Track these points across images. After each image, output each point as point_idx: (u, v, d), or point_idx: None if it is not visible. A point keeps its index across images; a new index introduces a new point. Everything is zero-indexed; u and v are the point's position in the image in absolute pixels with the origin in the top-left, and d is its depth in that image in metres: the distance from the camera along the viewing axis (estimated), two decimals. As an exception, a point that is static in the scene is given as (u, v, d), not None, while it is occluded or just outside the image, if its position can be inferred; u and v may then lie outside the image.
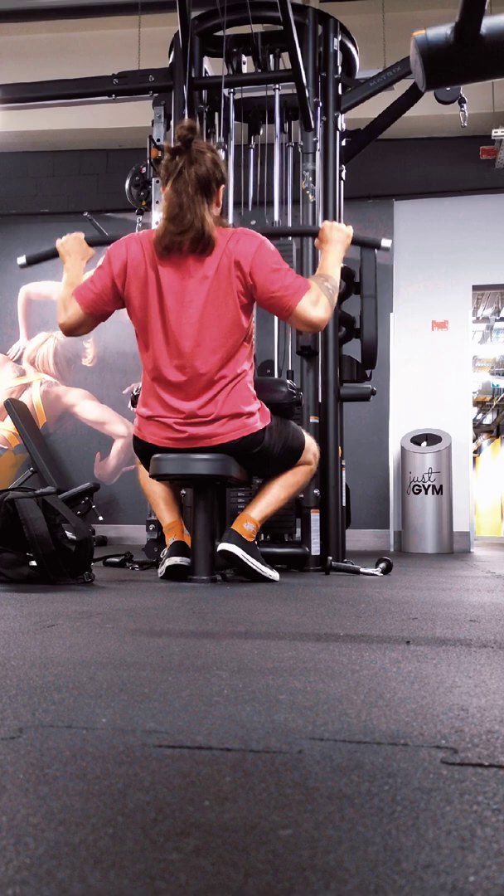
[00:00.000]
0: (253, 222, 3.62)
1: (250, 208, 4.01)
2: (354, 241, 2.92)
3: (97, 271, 2.70)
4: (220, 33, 3.91)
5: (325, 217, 3.74)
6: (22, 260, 3.24)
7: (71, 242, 2.95)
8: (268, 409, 2.76)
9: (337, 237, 2.83)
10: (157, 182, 4.25)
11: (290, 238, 3.58)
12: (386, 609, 1.85)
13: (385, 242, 3.05)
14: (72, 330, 2.73)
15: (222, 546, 2.63)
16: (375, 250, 3.85)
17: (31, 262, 3.22)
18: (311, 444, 2.88)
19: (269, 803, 0.56)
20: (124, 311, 2.74)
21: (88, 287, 2.69)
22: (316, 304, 2.59)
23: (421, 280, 6.83)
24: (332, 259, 2.79)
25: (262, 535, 3.39)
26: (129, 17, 5.92)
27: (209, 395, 2.62)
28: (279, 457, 2.76)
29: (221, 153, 2.73)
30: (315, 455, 2.90)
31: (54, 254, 3.02)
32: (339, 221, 3.87)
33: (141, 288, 2.63)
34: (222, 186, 2.68)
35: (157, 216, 4.08)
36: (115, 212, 6.60)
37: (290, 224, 3.90)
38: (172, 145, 2.63)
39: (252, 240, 2.62)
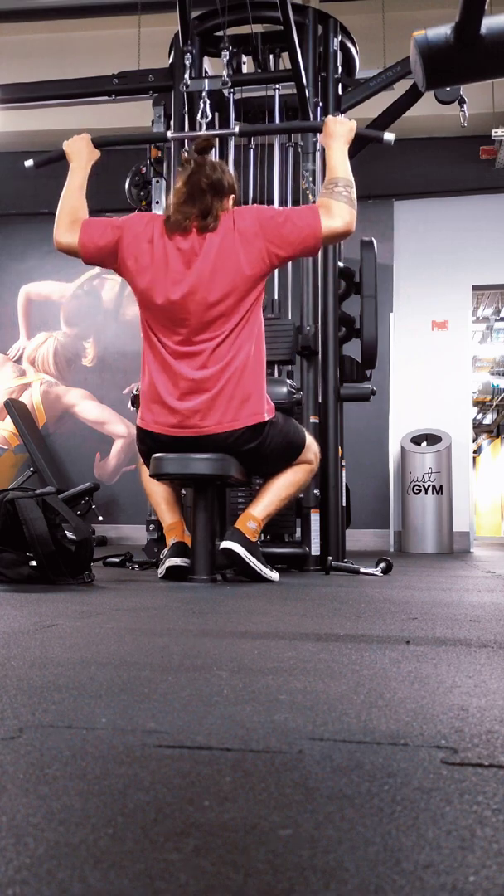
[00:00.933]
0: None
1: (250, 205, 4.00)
2: (358, 135, 2.94)
3: (112, 226, 2.71)
4: (220, 33, 3.91)
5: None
6: (30, 162, 3.23)
7: (78, 143, 2.96)
8: (273, 404, 2.77)
9: (341, 131, 2.84)
10: (157, 182, 4.26)
11: (292, 324, 3.51)
12: (386, 609, 1.85)
13: (388, 136, 3.04)
14: (63, 251, 2.77)
15: (225, 544, 2.63)
16: (373, 250, 3.85)
17: (39, 164, 3.22)
18: (311, 444, 2.88)
19: (269, 803, 0.56)
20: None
21: (97, 233, 2.71)
22: (334, 216, 2.64)
23: (421, 280, 6.82)
24: (338, 155, 2.81)
25: (263, 535, 3.39)
26: (129, 17, 5.92)
27: (216, 368, 2.62)
28: (279, 452, 2.76)
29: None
30: (316, 454, 2.89)
31: (62, 155, 3.02)
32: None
33: (150, 262, 2.66)
34: (233, 196, 2.72)
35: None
36: (115, 212, 6.56)
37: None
38: (191, 156, 2.72)
39: (247, 212, 2.69)
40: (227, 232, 2.63)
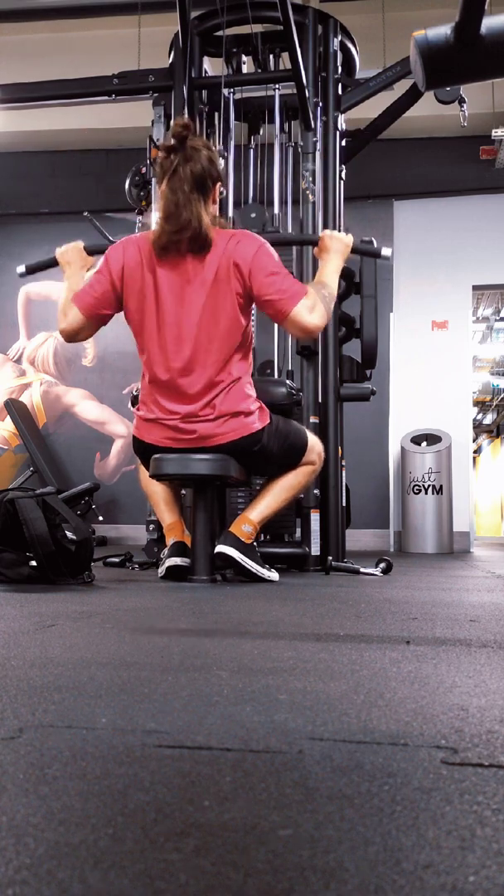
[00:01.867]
0: (253, 215, 3.61)
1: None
2: (354, 251, 2.91)
3: (95, 275, 2.70)
4: (220, 33, 3.91)
5: (326, 217, 3.74)
6: (21, 269, 3.26)
7: (71, 252, 2.94)
8: (267, 409, 2.76)
9: (336, 247, 2.81)
10: (156, 179, 4.25)
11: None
12: (386, 609, 1.85)
13: (385, 251, 3.04)
14: (72, 335, 2.73)
15: (219, 549, 2.63)
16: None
17: (31, 270, 3.24)
18: (314, 444, 2.86)
19: (269, 803, 0.56)
20: (117, 313, 2.75)
21: (87, 292, 2.69)
22: (312, 311, 2.57)
23: (421, 280, 6.82)
24: (331, 268, 2.78)
25: (262, 535, 3.39)
26: (129, 17, 5.92)
27: (208, 398, 2.62)
28: (280, 456, 2.76)
29: (220, 158, 2.71)
30: (319, 455, 2.88)
31: (54, 262, 3.03)
32: (340, 220, 3.87)
33: (138, 291, 2.63)
34: (219, 184, 2.66)
35: (157, 216, 4.08)
36: (115, 212, 6.59)
37: (290, 223, 3.90)
38: (167, 143, 2.62)
39: (252, 242, 2.61)
40: (221, 256, 2.57)
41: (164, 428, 2.66)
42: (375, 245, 3.74)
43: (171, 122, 3.80)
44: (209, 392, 2.61)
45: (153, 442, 2.69)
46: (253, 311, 2.82)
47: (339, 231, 3.22)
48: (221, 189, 2.77)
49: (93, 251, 2.94)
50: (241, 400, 2.64)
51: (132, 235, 2.78)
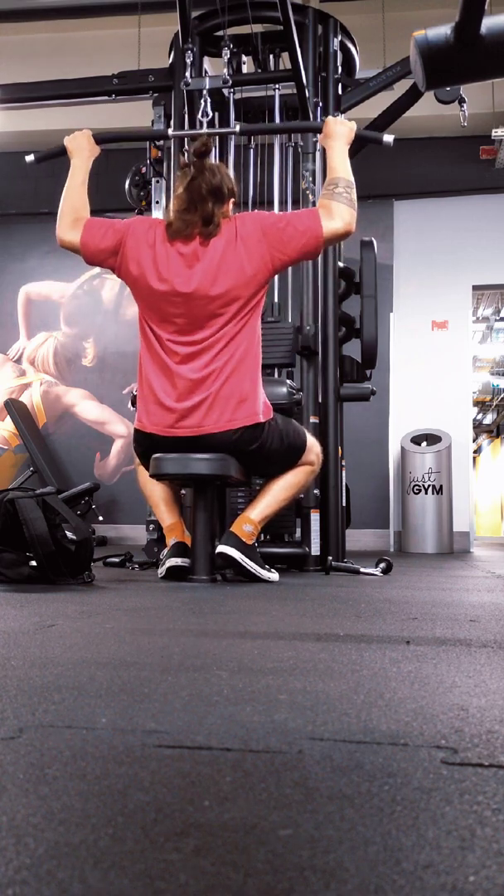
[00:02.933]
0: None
1: (250, 206, 4.00)
2: (358, 136, 2.94)
3: (115, 228, 2.72)
4: (220, 33, 3.91)
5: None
6: (30, 157, 3.28)
7: (79, 139, 2.97)
8: (271, 406, 2.77)
9: (341, 131, 2.85)
10: (157, 182, 4.25)
11: (292, 327, 3.54)
12: (386, 609, 1.85)
13: (387, 138, 3.05)
14: (64, 247, 2.78)
15: (220, 549, 2.63)
16: (373, 250, 3.86)
17: (41, 159, 3.25)
18: (313, 445, 2.87)
19: (269, 803, 0.56)
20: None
21: (99, 231, 2.72)
22: (333, 218, 2.66)
23: (421, 280, 6.82)
24: (339, 156, 2.81)
25: (262, 535, 3.39)
26: (129, 17, 5.92)
27: (212, 366, 2.63)
28: (279, 455, 2.76)
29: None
30: (318, 455, 2.89)
31: (63, 151, 3.03)
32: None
33: (152, 264, 2.66)
34: (232, 199, 2.73)
35: (157, 216, 4.08)
36: (115, 212, 6.55)
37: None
38: (188, 159, 2.73)
39: (249, 218, 2.71)
40: (229, 238, 2.64)
41: (166, 411, 2.66)
42: (375, 245, 3.75)
43: (174, 125, 3.83)
44: (211, 366, 2.63)
45: (156, 432, 2.68)
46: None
47: (340, 251, 3.27)
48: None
49: (102, 140, 2.97)
50: (244, 386, 2.65)
51: (157, 218, 2.89)
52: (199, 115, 3.40)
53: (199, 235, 2.64)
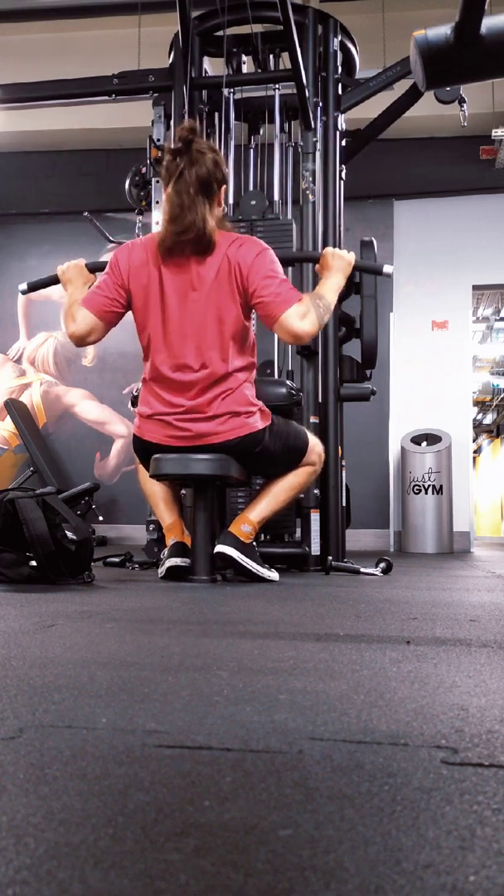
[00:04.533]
0: (253, 202, 3.61)
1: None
2: (356, 268, 2.91)
3: (103, 278, 2.71)
4: (220, 33, 3.91)
5: (326, 217, 3.74)
6: (23, 287, 3.30)
7: (72, 269, 2.95)
8: (268, 410, 2.76)
9: (338, 265, 2.81)
10: (158, 182, 4.25)
11: (291, 224, 3.58)
12: (386, 609, 1.85)
13: (387, 269, 3.03)
14: (83, 337, 2.71)
15: (218, 548, 2.63)
16: (373, 250, 3.86)
17: (32, 288, 3.28)
18: (315, 445, 2.87)
19: (269, 803, 0.56)
20: (126, 313, 2.76)
21: (96, 293, 2.70)
22: (303, 318, 2.57)
23: (421, 280, 6.82)
24: (330, 284, 2.77)
25: (262, 535, 3.39)
26: (129, 17, 5.92)
27: (210, 395, 2.62)
28: (280, 457, 2.76)
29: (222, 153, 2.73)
30: (320, 456, 2.89)
31: (55, 280, 3.04)
32: (340, 220, 3.87)
33: (144, 289, 2.64)
34: (224, 187, 2.69)
35: (157, 216, 4.08)
36: (115, 212, 6.60)
37: (289, 214, 3.89)
38: (173, 146, 2.63)
39: (255, 246, 2.64)
40: (223, 259, 2.60)
41: (164, 425, 2.66)
42: (375, 245, 3.74)
43: (174, 125, 3.82)
44: (210, 391, 2.62)
45: (154, 440, 2.69)
46: (254, 315, 2.83)
47: (341, 248, 3.23)
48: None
49: (94, 269, 2.95)
50: (241, 401, 2.65)
51: (137, 239, 2.81)
52: None
53: (193, 255, 2.60)
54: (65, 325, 2.77)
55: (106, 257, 7.68)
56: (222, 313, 2.61)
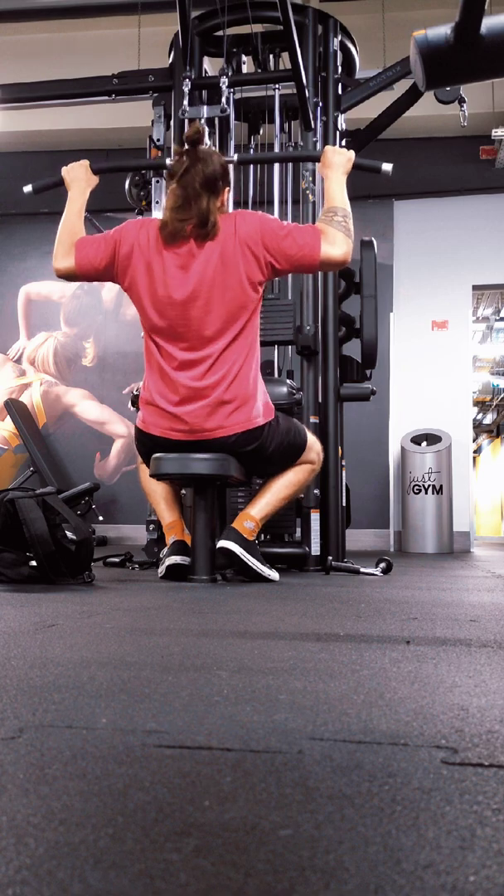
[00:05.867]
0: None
1: (250, 206, 4.01)
2: (356, 166, 2.92)
3: (106, 239, 2.71)
4: (220, 33, 3.90)
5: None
6: (28, 188, 3.28)
7: (77, 170, 2.97)
8: (272, 405, 2.77)
9: (339, 161, 2.83)
10: (157, 182, 4.25)
11: (294, 305, 3.56)
12: (386, 609, 1.85)
13: (386, 166, 3.04)
14: (62, 277, 2.78)
15: (221, 543, 2.63)
16: (373, 250, 3.86)
17: (38, 190, 3.27)
18: (314, 443, 2.87)
19: (269, 803, 0.56)
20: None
21: (91, 247, 2.70)
22: (334, 244, 2.62)
23: (421, 280, 6.82)
24: (337, 186, 2.79)
25: (263, 535, 3.39)
26: (129, 17, 5.92)
27: (214, 376, 2.62)
28: (279, 454, 2.76)
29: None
30: (319, 454, 2.89)
31: (60, 182, 3.04)
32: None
33: (146, 271, 2.64)
34: (227, 189, 2.71)
35: (156, 216, 4.08)
36: (115, 212, 6.58)
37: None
38: (180, 147, 2.68)
39: (251, 216, 2.68)
40: (227, 237, 2.61)
41: (166, 415, 2.66)
42: (375, 245, 3.75)
43: (174, 125, 3.82)
44: (212, 375, 2.62)
45: (157, 433, 2.68)
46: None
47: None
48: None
49: (99, 170, 2.96)
50: (245, 389, 2.64)
51: (146, 218, 2.82)
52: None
53: (194, 238, 2.60)
54: (55, 249, 2.76)
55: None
56: (227, 293, 2.61)
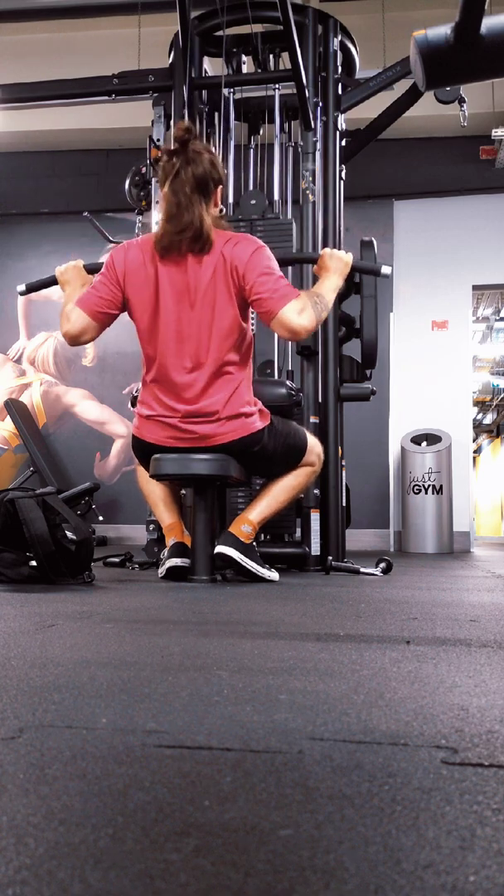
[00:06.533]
0: (253, 202, 3.60)
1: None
2: (354, 269, 2.91)
3: (99, 278, 2.71)
4: (220, 33, 3.90)
5: (326, 217, 3.74)
6: (21, 288, 3.33)
7: (70, 271, 2.95)
8: (267, 410, 2.76)
9: (336, 266, 2.81)
10: (157, 182, 4.25)
11: (291, 223, 3.58)
12: (386, 609, 1.85)
13: (385, 269, 3.04)
14: (77, 337, 2.71)
15: (218, 549, 2.63)
16: (373, 250, 3.86)
17: (31, 290, 3.31)
18: (314, 446, 2.87)
19: (269, 803, 0.56)
20: (121, 314, 2.76)
21: (91, 294, 2.69)
22: (300, 313, 2.55)
23: (421, 280, 6.82)
24: (328, 285, 2.77)
25: (262, 535, 3.39)
26: (129, 17, 5.92)
27: (207, 398, 2.62)
28: (280, 457, 2.76)
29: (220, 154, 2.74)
30: (319, 456, 2.89)
31: (53, 281, 3.05)
32: (340, 220, 3.87)
33: (141, 289, 2.64)
34: (220, 187, 2.68)
35: (156, 216, 4.08)
36: (115, 212, 6.60)
37: (289, 214, 3.89)
38: (170, 147, 2.63)
39: (250, 244, 2.63)
40: (219, 257, 2.59)
41: (164, 426, 2.66)
42: (375, 245, 3.74)
43: (174, 125, 3.82)
44: (209, 391, 2.62)
45: (154, 441, 2.69)
46: (253, 316, 2.82)
47: (341, 248, 3.24)
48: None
49: (92, 270, 2.95)
50: (241, 402, 2.65)
51: (133, 239, 2.80)
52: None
53: (189, 252, 2.59)
54: (60, 325, 2.76)
55: (105, 258, 7.65)
56: (219, 312, 2.60)
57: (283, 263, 3.41)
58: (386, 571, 3.07)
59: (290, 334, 2.62)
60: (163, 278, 2.61)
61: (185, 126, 2.61)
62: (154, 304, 2.63)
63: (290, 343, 3.76)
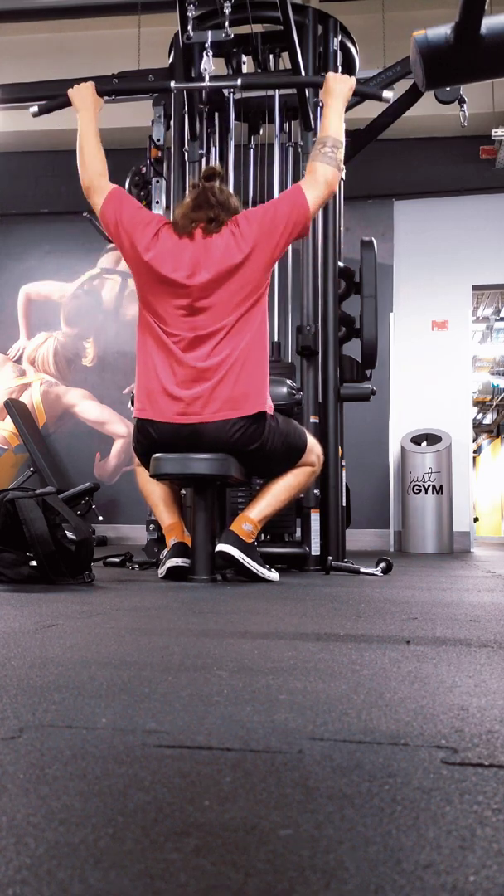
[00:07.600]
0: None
1: (250, 205, 4.00)
2: (357, 93, 3.00)
3: (143, 216, 2.79)
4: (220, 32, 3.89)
5: (325, 217, 3.74)
6: (34, 109, 3.30)
7: (83, 91, 3.05)
8: (272, 405, 2.78)
9: (340, 88, 2.91)
10: (157, 182, 4.25)
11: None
12: (386, 609, 1.85)
13: (387, 94, 3.07)
14: (86, 190, 2.93)
15: (220, 547, 2.63)
16: (373, 250, 3.86)
17: (43, 111, 3.28)
18: (314, 446, 2.87)
19: (269, 803, 0.56)
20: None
21: (124, 210, 2.79)
22: (316, 184, 2.75)
23: (421, 280, 6.82)
24: (335, 114, 2.88)
25: (262, 535, 3.39)
26: (129, 17, 5.92)
27: (217, 357, 2.65)
28: (280, 455, 2.76)
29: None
30: (319, 457, 2.89)
31: (67, 102, 3.07)
32: (340, 220, 3.87)
33: (153, 245, 2.71)
34: (236, 216, 2.79)
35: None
36: (115, 212, 6.59)
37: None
38: (197, 181, 2.86)
39: (245, 215, 2.77)
40: (230, 233, 2.69)
41: (166, 397, 2.66)
42: (375, 245, 3.74)
43: (174, 125, 3.82)
44: (215, 359, 2.64)
45: (154, 417, 2.68)
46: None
47: (341, 250, 3.30)
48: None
49: (104, 92, 3.00)
50: (249, 379, 2.67)
51: (163, 216, 2.99)
52: (203, 67, 3.35)
53: (201, 230, 2.70)
54: (82, 160, 2.94)
55: (105, 258, 7.64)
56: (234, 273, 2.66)
57: (287, 86, 3.47)
58: (386, 571, 3.07)
59: (329, 198, 2.88)
60: (175, 244, 2.70)
61: (213, 167, 2.90)
62: (167, 259, 2.70)
63: (290, 343, 3.77)
